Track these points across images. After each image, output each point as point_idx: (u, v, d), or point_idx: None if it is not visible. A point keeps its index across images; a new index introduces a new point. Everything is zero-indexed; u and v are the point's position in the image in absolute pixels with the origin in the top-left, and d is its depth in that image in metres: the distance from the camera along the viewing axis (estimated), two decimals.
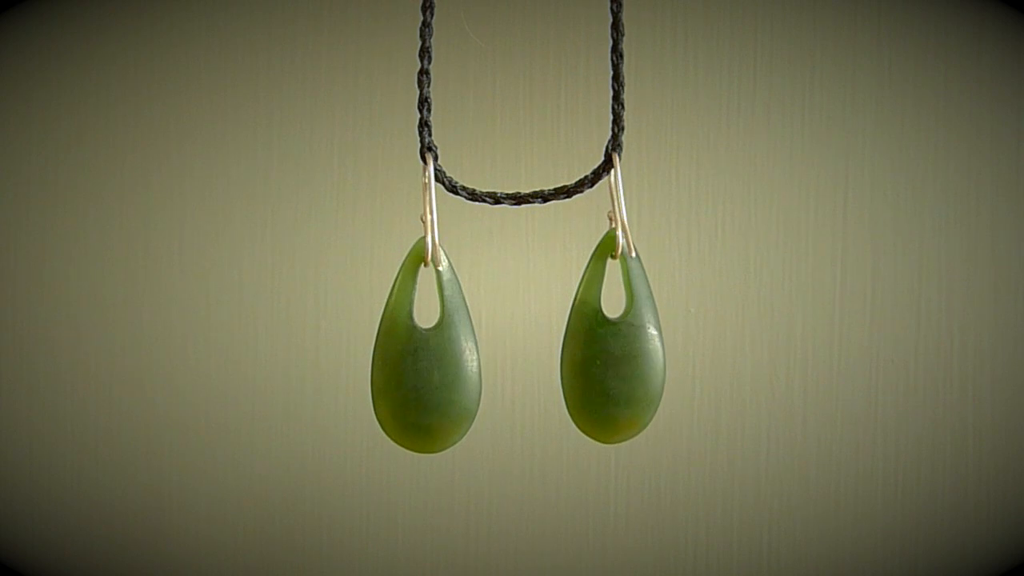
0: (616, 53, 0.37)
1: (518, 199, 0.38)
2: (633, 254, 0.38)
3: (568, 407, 0.39)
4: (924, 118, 0.52)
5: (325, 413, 0.56)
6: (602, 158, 0.38)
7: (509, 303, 0.54)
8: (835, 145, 0.52)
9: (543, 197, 0.38)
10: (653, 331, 0.38)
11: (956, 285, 0.52)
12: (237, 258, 0.56)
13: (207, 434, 0.57)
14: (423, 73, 0.37)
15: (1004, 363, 0.52)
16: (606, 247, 0.38)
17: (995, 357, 0.52)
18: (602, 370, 0.37)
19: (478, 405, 0.39)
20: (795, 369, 0.53)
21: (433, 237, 0.37)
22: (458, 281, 0.38)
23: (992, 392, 0.52)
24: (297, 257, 0.56)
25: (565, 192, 0.38)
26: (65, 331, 0.57)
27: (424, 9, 0.36)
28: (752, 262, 0.53)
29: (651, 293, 0.39)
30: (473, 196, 0.38)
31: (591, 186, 0.38)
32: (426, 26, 0.36)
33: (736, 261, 0.53)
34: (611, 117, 0.38)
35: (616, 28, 0.37)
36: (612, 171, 0.38)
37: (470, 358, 0.38)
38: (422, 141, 0.38)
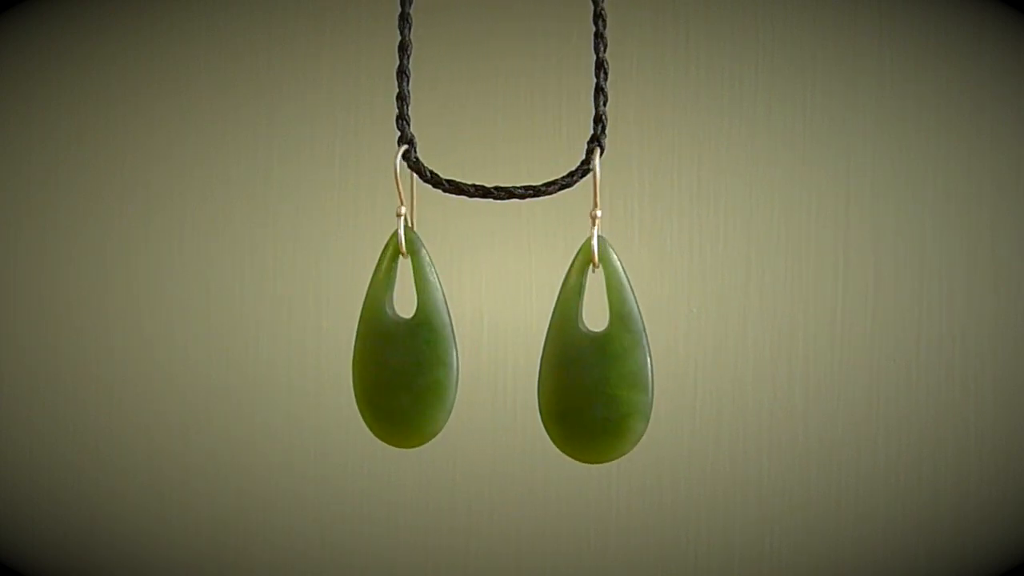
0: (600, 39, 0.36)
1: (502, 193, 0.38)
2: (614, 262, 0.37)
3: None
4: (924, 118, 0.52)
5: (326, 413, 0.56)
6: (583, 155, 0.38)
7: (510, 303, 0.54)
8: (835, 145, 0.52)
9: (534, 191, 0.38)
10: (627, 347, 0.37)
11: (957, 285, 0.52)
12: (237, 258, 0.56)
13: (207, 434, 0.57)
14: (401, 72, 0.36)
15: (1005, 363, 0.52)
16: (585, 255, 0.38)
17: (996, 357, 0.52)
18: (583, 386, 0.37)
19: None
20: (796, 369, 0.53)
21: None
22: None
23: (993, 392, 0.52)
24: (297, 257, 0.56)
25: (534, 190, 0.38)
26: (65, 331, 0.57)
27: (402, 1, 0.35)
28: (753, 262, 0.53)
29: (628, 303, 0.38)
30: (456, 188, 0.38)
31: (568, 186, 0.38)
32: (403, 18, 0.35)
33: (737, 261, 0.53)
34: (593, 111, 0.37)
35: (599, 17, 0.37)
36: (592, 171, 0.37)
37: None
38: (402, 132, 0.37)
